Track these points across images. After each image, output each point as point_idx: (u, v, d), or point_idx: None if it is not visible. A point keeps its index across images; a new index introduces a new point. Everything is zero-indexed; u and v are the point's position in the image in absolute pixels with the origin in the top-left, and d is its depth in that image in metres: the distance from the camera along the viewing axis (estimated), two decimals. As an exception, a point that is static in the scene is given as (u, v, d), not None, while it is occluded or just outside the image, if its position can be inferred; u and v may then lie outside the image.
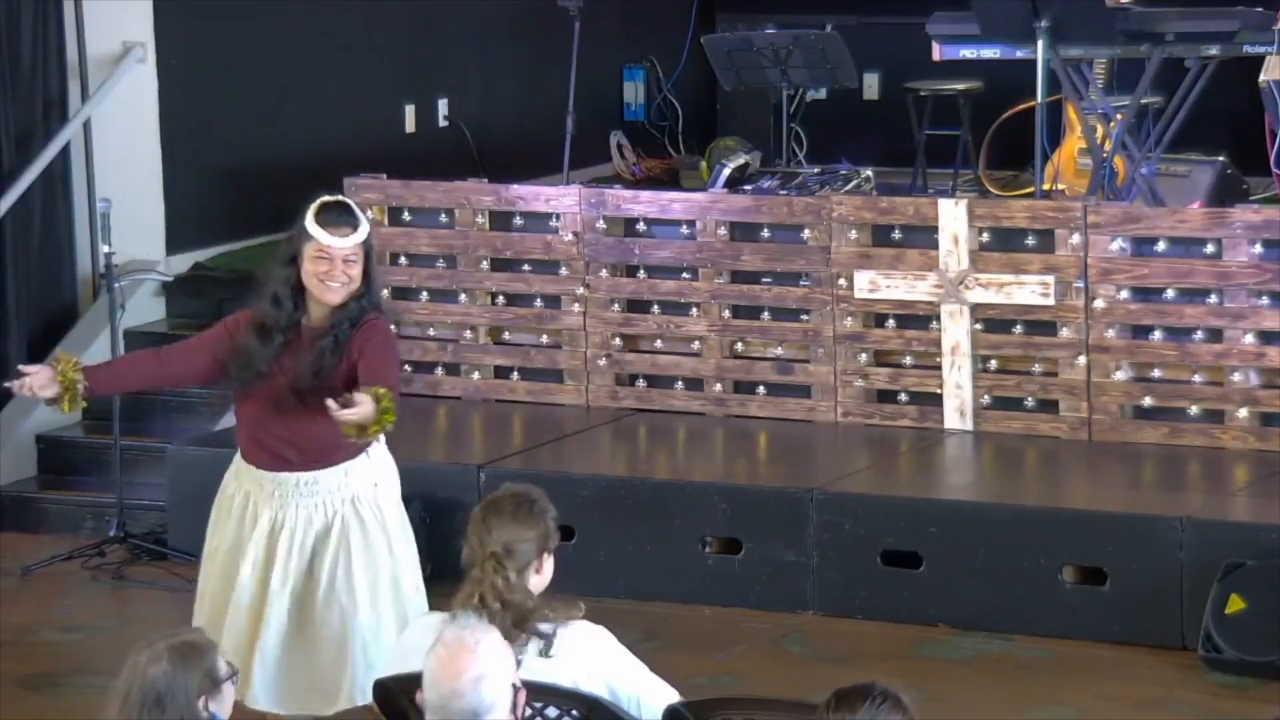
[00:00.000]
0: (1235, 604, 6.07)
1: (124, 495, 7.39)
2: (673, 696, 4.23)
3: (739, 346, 7.67)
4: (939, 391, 7.34)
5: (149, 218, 8.60)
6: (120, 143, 8.52)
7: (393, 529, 5.12)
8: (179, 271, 8.63)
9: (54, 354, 5.04)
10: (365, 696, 4.78)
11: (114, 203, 7.64)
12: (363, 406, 4.75)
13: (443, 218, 7.98)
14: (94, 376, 5.09)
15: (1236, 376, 7.00)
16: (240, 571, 5.10)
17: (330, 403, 4.75)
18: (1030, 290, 7.19)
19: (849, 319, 7.47)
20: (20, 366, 5.16)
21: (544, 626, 4.17)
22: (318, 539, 5.06)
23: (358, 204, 5.17)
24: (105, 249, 7.52)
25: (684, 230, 7.72)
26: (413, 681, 3.84)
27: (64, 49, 8.33)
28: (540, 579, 4.30)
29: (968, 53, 8.32)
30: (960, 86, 9.24)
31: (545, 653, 4.15)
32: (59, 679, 6.19)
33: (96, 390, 5.10)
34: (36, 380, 5.04)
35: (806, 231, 7.53)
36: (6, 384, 5.20)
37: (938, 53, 8.39)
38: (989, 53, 8.26)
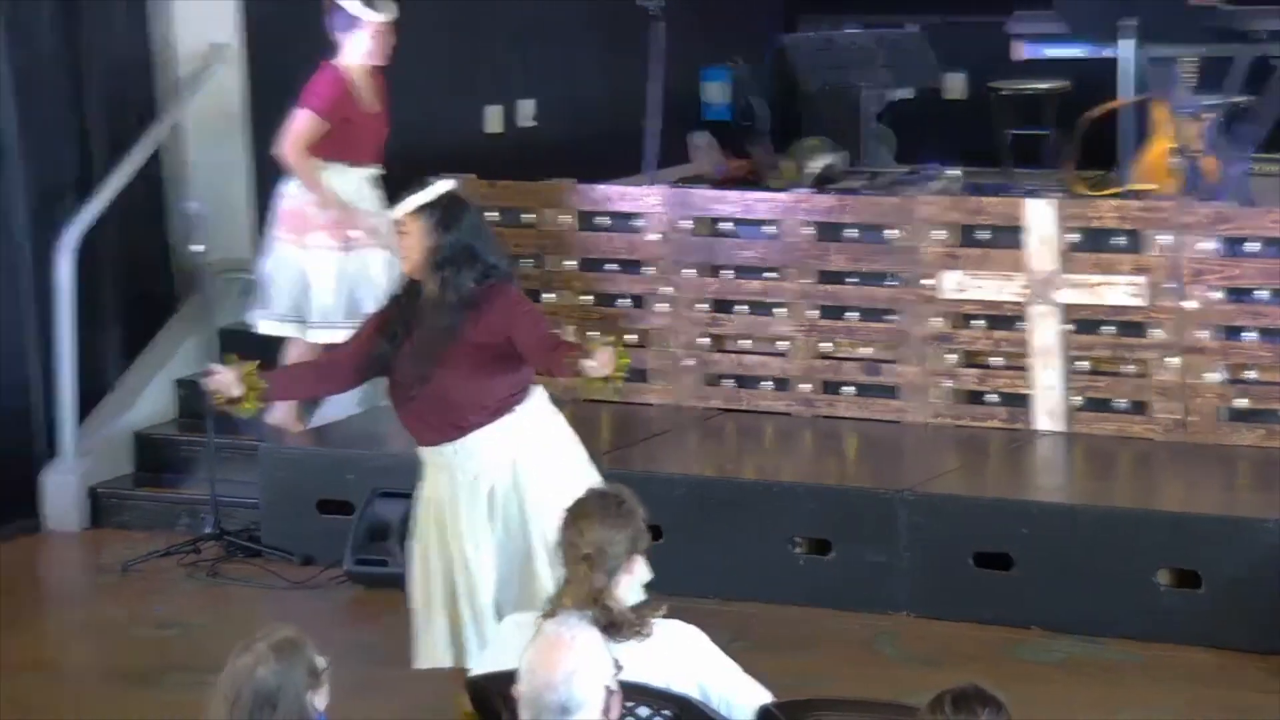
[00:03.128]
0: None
1: (218, 493, 7.46)
2: (765, 697, 4.24)
3: (826, 347, 7.67)
4: (1028, 392, 7.32)
5: (238, 217, 8.68)
6: (209, 143, 8.60)
7: (550, 484, 5.21)
8: (270, 270, 8.70)
9: (218, 359, 5.37)
10: None
11: (206, 202, 7.72)
12: (601, 355, 4.92)
13: (528, 218, 8.02)
14: (269, 382, 5.31)
15: (1331, 378, 6.94)
16: (433, 546, 5.29)
17: (585, 363, 4.93)
18: (1121, 291, 7.15)
19: (936, 319, 7.46)
20: (209, 365, 5.39)
21: (638, 627, 4.19)
22: (489, 503, 5.22)
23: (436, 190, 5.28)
24: (196, 249, 7.60)
25: (769, 230, 7.72)
26: (505, 679, 3.87)
27: (153, 51, 8.42)
28: (630, 579, 4.32)
29: (1052, 52, 8.29)
30: (1045, 86, 9.20)
31: (638, 653, 4.17)
32: (156, 675, 6.26)
33: (272, 395, 5.37)
34: (221, 381, 5.25)
35: (893, 232, 7.52)
36: (200, 382, 5.43)
37: (1019, 51, 8.35)
38: (1074, 51, 8.22)
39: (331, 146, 7.36)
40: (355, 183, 7.40)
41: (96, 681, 6.39)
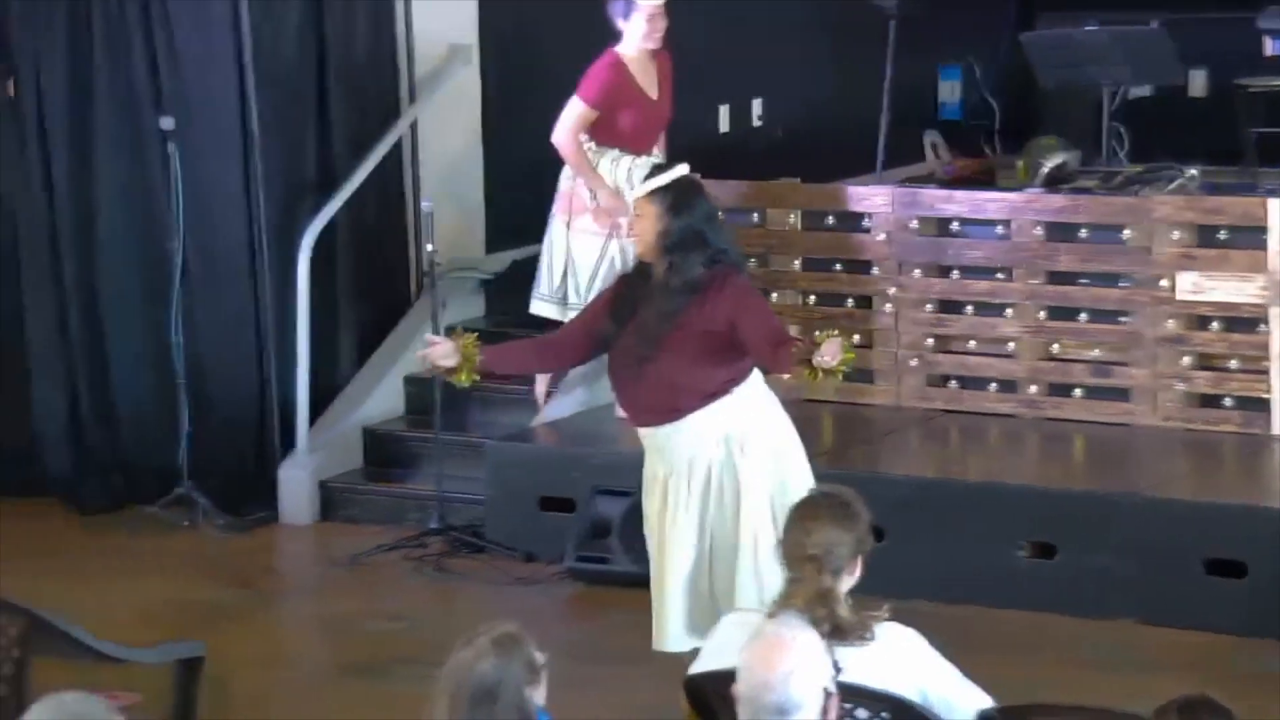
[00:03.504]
0: None
1: (444, 488, 7.56)
2: (985, 701, 4.18)
3: (1055, 348, 7.54)
4: (1266, 397, 7.13)
5: (470, 217, 8.81)
6: (444, 144, 8.73)
7: (763, 467, 5.28)
8: (497, 270, 8.82)
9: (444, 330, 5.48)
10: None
11: (437, 202, 7.84)
12: (830, 346, 4.96)
13: (755, 217, 8.01)
14: (486, 353, 5.39)
15: None
16: (653, 524, 5.38)
17: (819, 359, 4.96)
18: None
19: (1170, 321, 7.30)
20: (427, 336, 5.50)
21: (861, 631, 4.16)
22: (699, 479, 5.28)
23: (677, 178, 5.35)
24: (428, 247, 7.72)
25: (999, 230, 7.62)
26: (723, 678, 3.87)
27: (395, 52, 8.57)
28: (851, 580, 4.29)
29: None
30: (1295, 84, 8.95)
31: (858, 655, 4.14)
32: (383, 667, 6.35)
33: (487, 366, 5.42)
34: (439, 351, 5.35)
35: (1126, 232, 7.38)
36: (419, 353, 5.51)
37: (1270, 48, 8.14)
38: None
39: (607, 133, 7.41)
40: (629, 170, 7.40)
41: (326, 673, 6.51)
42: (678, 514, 5.31)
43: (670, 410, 5.27)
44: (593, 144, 7.46)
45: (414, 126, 8.62)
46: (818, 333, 5.07)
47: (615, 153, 7.46)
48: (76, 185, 8.15)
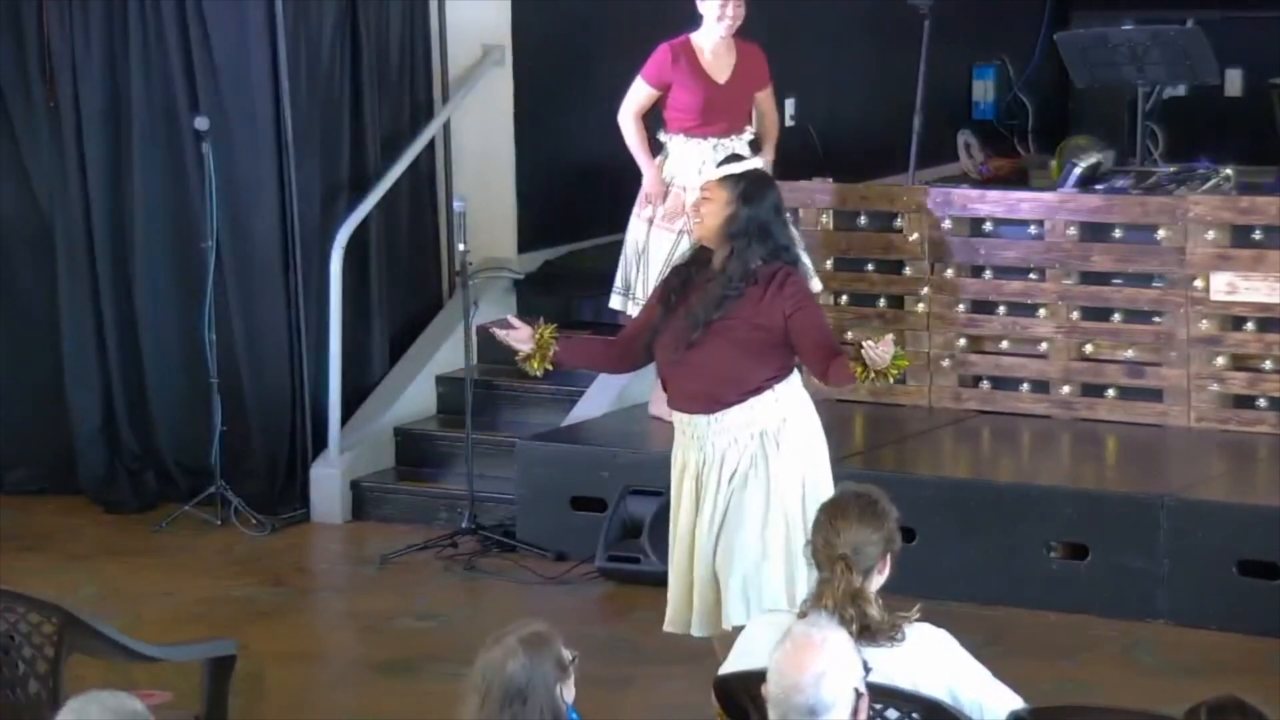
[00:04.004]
0: None
1: (475, 488, 7.57)
2: (1016, 703, 4.17)
3: (1088, 349, 7.52)
4: (1301, 397, 7.09)
5: (503, 216, 8.81)
6: (477, 144, 8.74)
7: (792, 465, 5.30)
8: (530, 269, 8.82)
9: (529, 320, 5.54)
10: (736, 621, 5.10)
11: (470, 202, 7.84)
12: (885, 344, 5.01)
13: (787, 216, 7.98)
14: (560, 345, 5.43)
15: None
16: (680, 515, 5.41)
17: (866, 345, 5.03)
18: None
19: (1204, 321, 7.26)
20: (509, 318, 5.53)
21: (891, 632, 4.15)
22: (729, 474, 5.30)
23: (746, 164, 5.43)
24: (460, 247, 7.73)
25: (1032, 230, 7.60)
26: (753, 679, 3.86)
27: (429, 53, 8.58)
28: (880, 579, 4.28)
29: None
30: (1330, 82, 8.90)
31: (889, 655, 4.13)
32: (414, 665, 6.36)
33: (559, 359, 5.44)
34: (518, 335, 5.40)
35: (1160, 232, 7.35)
36: (490, 327, 5.52)
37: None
38: None
39: (672, 113, 7.39)
40: (697, 154, 7.35)
41: (357, 671, 6.53)
42: (704, 503, 5.34)
43: (710, 400, 5.30)
44: (672, 132, 7.40)
45: (447, 126, 8.63)
46: (867, 340, 5.09)
47: (680, 138, 7.37)
48: (112, 187, 8.19)
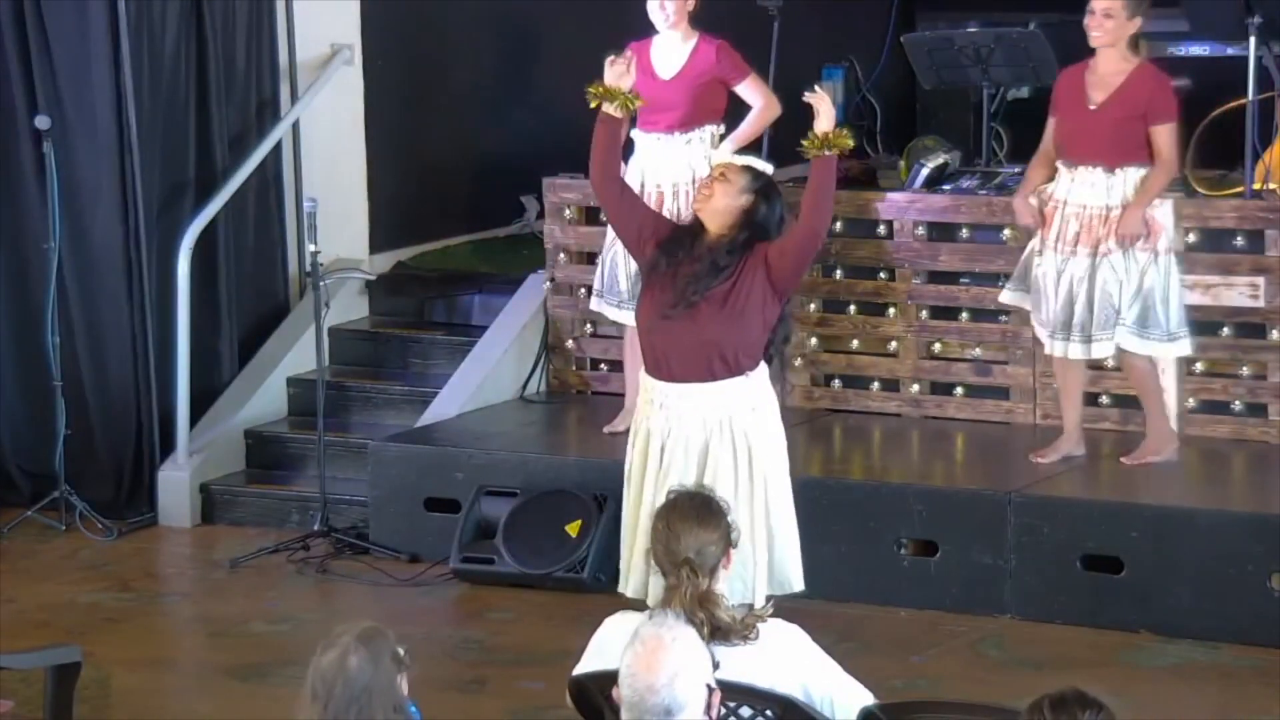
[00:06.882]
0: None
1: (328, 490, 7.52)
2: (867, 698, 4.20)
3: (936, 347, 7.61)
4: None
5: (354, 217, 8.75)
6: (327, 143, 8.67)
7: (760, 454, 5.58)
8: (382, 270, 8.77)
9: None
10: None
11: (320, 202, 7.77)
12: (825, 104, 5.60)
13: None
14: (600, 126, 5.83)
15: None
16: (634, 480, 5.64)
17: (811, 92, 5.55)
18: (1239, 292, 7.04)
19: (1049, 320, 7.36)
20: (630, 49, 6.06)
21: (744, 631, 4.17)
22: (695, 451, 5.53)
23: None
24: (311, 248, 7.66)
25: (881, 230, 7.67)
26: (608, 679, 3.86)
27: (276, 52, 8.50)
28: (726, 573, 4.30)
29: (1175, 50, 8.15)
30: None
31: (741, 653, 4.15)
32: (266, 669, 6.30)
33: (621, 122, 5.85)
34: (616, 70, 5.83)
35: (1006, 231, 7.45)
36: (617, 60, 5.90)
37: (1143, 50, 8.24)
38: (1197, 50, 8.07)
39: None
40: (651, 148, 7.28)
41: (208, 676, 6.45)
42: (669, 476, 5.48)
43: (691, 367, 5.51)
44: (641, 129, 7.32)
45: (296, 126, 8.55)
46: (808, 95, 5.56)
47: (639, 131, 7.26)
48: (-50, 187, 8.04)
